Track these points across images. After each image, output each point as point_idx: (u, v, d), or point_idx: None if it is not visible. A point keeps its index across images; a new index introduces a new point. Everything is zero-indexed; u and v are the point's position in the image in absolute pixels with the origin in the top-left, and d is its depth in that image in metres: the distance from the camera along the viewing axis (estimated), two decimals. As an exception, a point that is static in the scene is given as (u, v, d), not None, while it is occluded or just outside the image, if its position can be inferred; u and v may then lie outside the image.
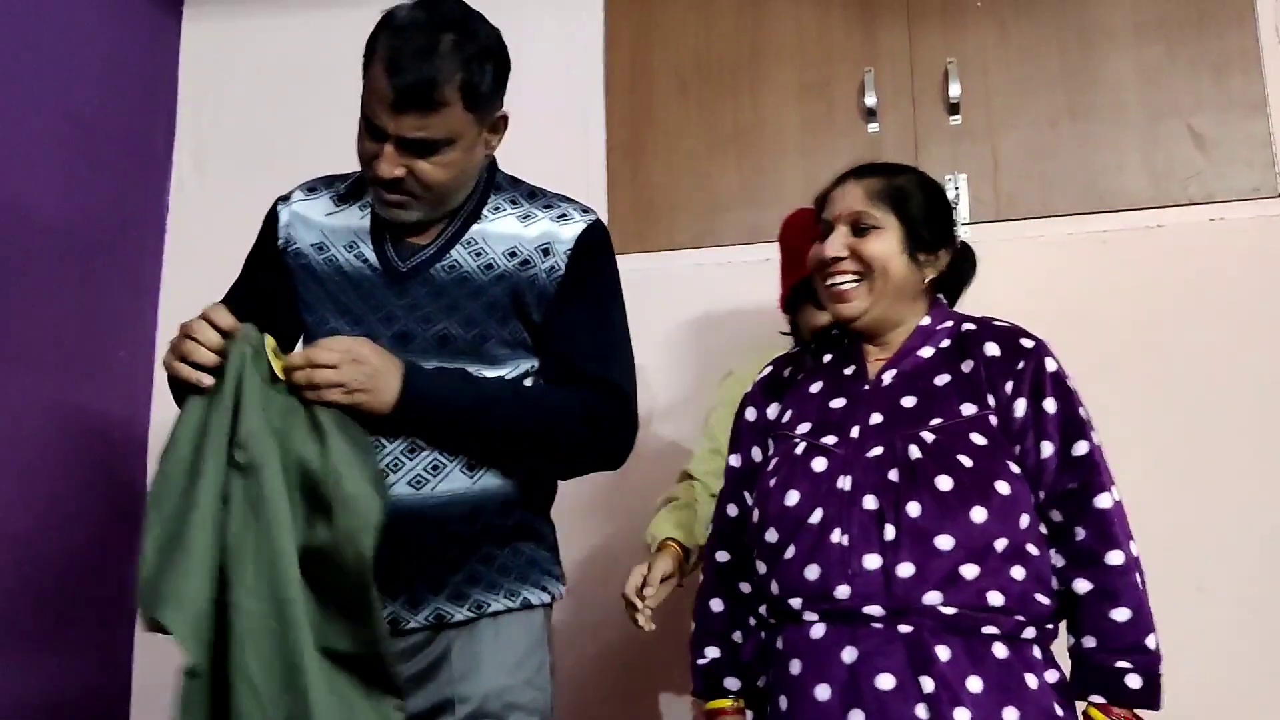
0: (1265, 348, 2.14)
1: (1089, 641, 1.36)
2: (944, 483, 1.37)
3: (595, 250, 1.53)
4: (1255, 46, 2.29)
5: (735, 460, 1.62)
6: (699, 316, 2.38)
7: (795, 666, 1.40)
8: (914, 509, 1.36)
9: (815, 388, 1.56)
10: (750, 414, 1.62)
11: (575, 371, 1.49)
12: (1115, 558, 1.37)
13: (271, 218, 1.60)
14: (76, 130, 2.43)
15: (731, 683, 1.53)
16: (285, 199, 1.60)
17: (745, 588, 1.55)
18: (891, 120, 2.44)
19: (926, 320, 1.53)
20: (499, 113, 1.50)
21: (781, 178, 2.48)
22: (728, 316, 2.36)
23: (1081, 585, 1.37)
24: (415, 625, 1.46)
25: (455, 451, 1.47)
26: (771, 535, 1.46)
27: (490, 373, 1.49)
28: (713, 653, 1.55)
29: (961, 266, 1.60)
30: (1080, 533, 1.39)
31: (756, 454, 1.59)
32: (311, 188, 1.61)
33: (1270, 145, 2.25)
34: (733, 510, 1.59)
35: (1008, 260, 2.29)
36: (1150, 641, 1.35)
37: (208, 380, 1.34)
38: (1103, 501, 1.40)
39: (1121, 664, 1.34)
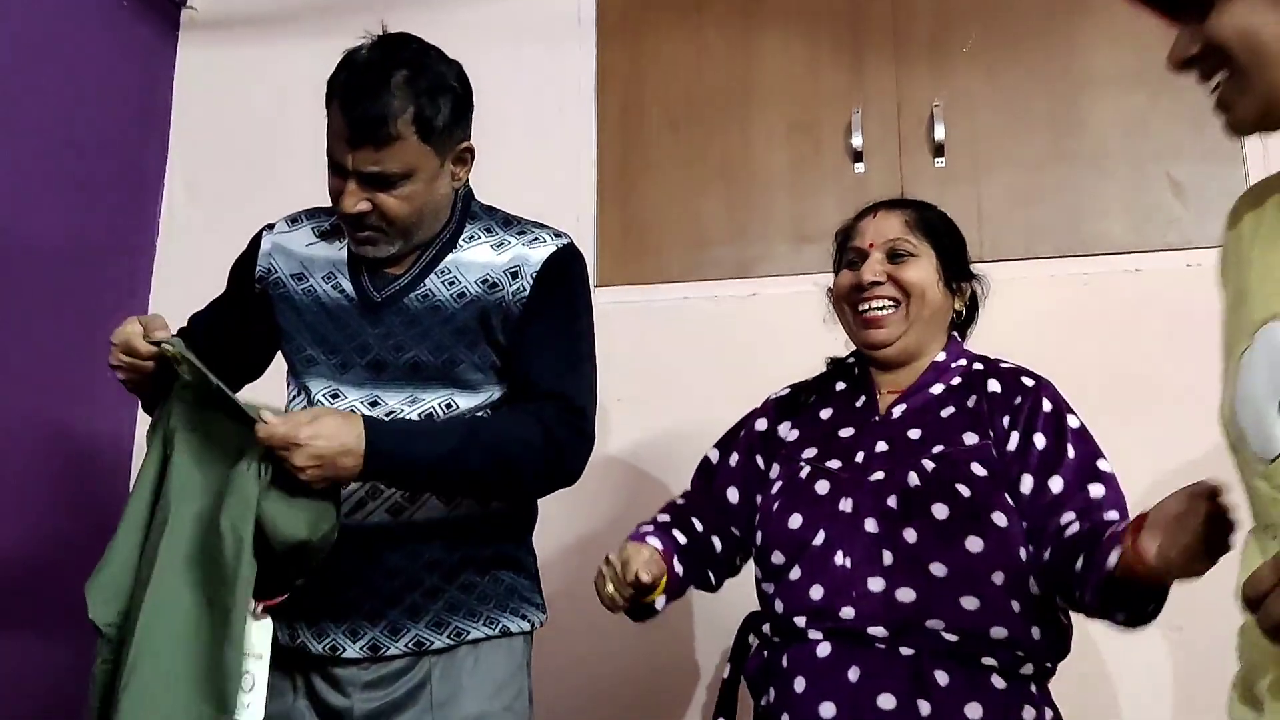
0: (1241, 392, 2.17)
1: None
2: (940, 511, 1.38)
3: (562, 272, 1.54)
4: (1233, 98, 2.34)
5: (722, 457, 1.63)
6: (685, 348, 2.40)
7: (800, 684, 1.40)
8: (910, 535, 1.38)
9: (825, 414, 1.58)
10: (761, 424, 1.64)
11: (531, 387, 1.50)
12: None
13: (254, 244, 1.63)
14: (70, 153, 2.44)
15: (653, 540, 1.48)
16: (269, 228, 1.63)
17: (698, 525, 1.56)
18: (877, 161, 2.47)
19: (942, 356, 1.55)
20: (463, 145, 1.52)
21: (769, 215, 2.51)
22: (714, 349, 2.38)
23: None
24: (395, 652, 1.47)
25: (421, 494, 1.48)
26: (777, 557, 1.47)
27: (465, 400, 1.50)
28: (646, 527, 1.53)
29: (971, 308, 1.65)
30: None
31: (760, 461, 1.59)
32: (294, 219, 1.64)
33: (1247, 194, 2.29)
34: (698, 484, 1.62)
35: (990, 300, 2.31)
36: None
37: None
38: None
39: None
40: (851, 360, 1.64)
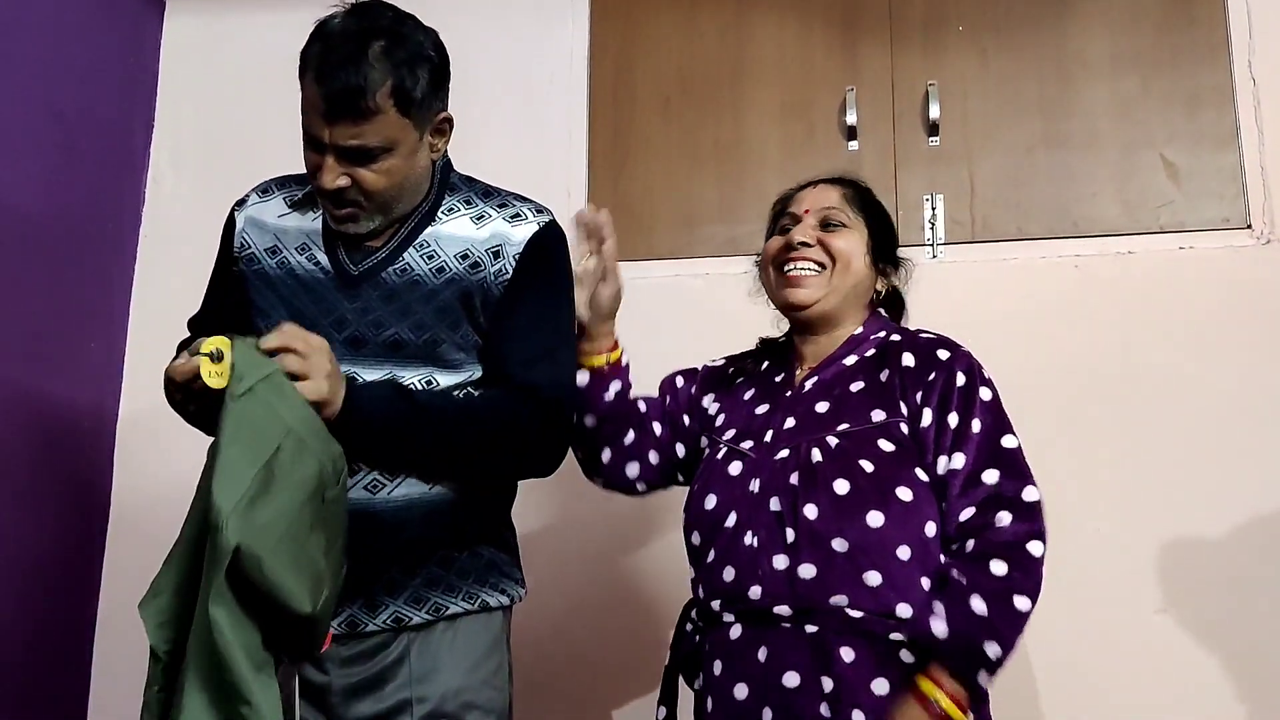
0: (1231, 372, 2.17)
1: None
2: (841, 486, 1.39)
3: (546, 252, 1.52)
4: (1228, 82, 2.33)
5: (658, 395, 1.72)
6: (675, 324, 2.39)
7: (717, 667, 1.43)
8: (811, 511, 1.38)
9: (748, 394, 1.61)
10: (681, 381, 1.72)
11: (504, 377, 1.48)
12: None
13: (229, 226, 1.59)
14: (55, 124, 2.41)
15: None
16: (241, 203, 1.59)
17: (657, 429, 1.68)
18: (871, 140, 2.46)
19: (859, 330, 1.56)
20: (441, 116, 1.48)
21: (761, 193, 2.48)
22: (703, 325, 2.37)
23: (955, 577, 1.35)
24: (374, 628, 1.46)
25: (386, 467, 1.44)
26: (695, 539, 1.50)
27: (446, 378, 1.48)
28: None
29: (898, 298, 1.66)
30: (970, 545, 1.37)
31: (685, 419, 1.67)
32: (265, 189, 1.60)
33: (1240, 178, 2.29)
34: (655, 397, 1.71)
35: (981, 281, 2.31)
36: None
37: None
38: (1002, 520, 1.37)
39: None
40: (783, 339, 1.66)
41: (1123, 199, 2.34)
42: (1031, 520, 1.37)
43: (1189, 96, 2.36)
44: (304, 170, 1.53)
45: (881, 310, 1.62)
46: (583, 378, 1.61)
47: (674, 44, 2.61)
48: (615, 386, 1.64)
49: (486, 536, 1.55)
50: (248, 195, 1.60)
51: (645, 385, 1.79)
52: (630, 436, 1.66)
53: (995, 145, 2.41)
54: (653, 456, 1.67)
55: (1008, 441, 1.42)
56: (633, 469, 1.67)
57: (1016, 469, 1.40)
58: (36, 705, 2.33)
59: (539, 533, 2.28)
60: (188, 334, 1.61)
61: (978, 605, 1.32)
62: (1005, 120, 2.42)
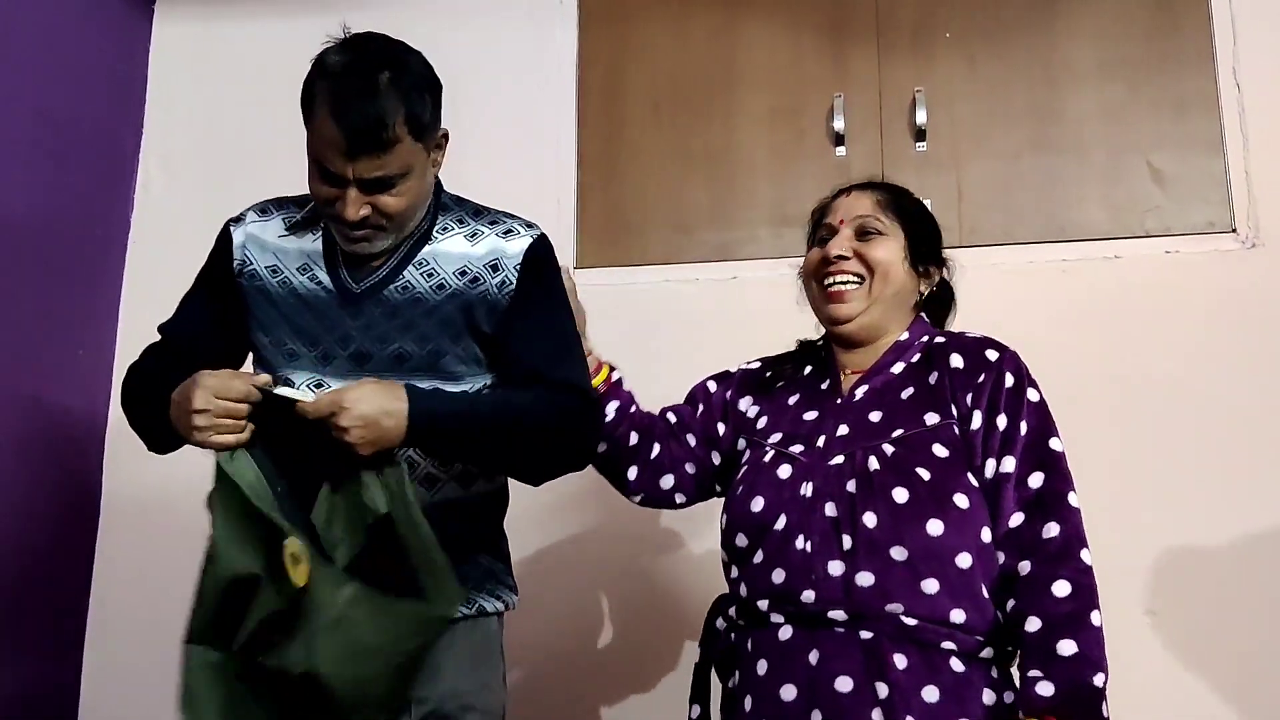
0: (1217, 375, 2.19)
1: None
2: (900, 495, 1.38)
3: (542, 263, 1.55)
4: (1213, 88, 2.35)
5: (688, 404, 1.70)
6: (666, 330, 2.40)
7: (762, 667, 1.42)
8: (870, 520, 1.38)
9: (792, 399, 1.59)
10: (714, 386, 1.69)
11: (540, 376, 1.50)
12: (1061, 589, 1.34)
13: (224, 239, 1.59)
14: (45, 127, 2.41)
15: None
16: (238, 220, 1.60)
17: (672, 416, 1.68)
18: (859, 146, 2.47)
19: (905, 336, 1.56)
20: (440, 132, 1.52)
21: (750, 199, 2.51)
22: (694, 330, 2.38)
23: (1031, 624, 1.34)
24: None
25: (448, 461, 1.49)
26: (741, 540, 1.48)
27: (451, 389, 1.51)
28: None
29: (946, 294, 1.65)
30: (1025, 567, 1.37)
31: (720, 427, 1.65)
32: (264, 209, 1.61)
33: (1226, 183, 2.31)
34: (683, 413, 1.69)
35: (969, 285, 2.30)
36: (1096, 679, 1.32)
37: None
38: (1050, 531, 1.37)
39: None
40: (820, 343, 1.65)
41: (1109, 204, 2.35)
42: (1077, 526, 1.38)
43: (1175, 103, 2.38)
44: (298, 191, 1.54)
45: (923, 314, 1.61)
46: None
47: (663, 50, 2.62)
48: (613, 406, 1.65)
49: (484, 544, 1.58)
50: (245, 213, 1.61)
51: (636, 389, 1.80)
52: (656, 449, 1.66)
53: (982, 151, 2.43)
54: (689, 468, 1.66)
55: (1054, 444, 1.43)
56: (667, 481, 1.66)
57: (1060, 473, 1.41)
58: (30, 706, 2.32)
59: (530, 541, 2.28)
60: (158, 338, 1.61)
61: (1065, 648, 1.31)
62: (993, 126, 2.44)
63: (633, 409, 1.68)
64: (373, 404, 1.34)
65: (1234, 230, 2.28)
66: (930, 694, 1.33)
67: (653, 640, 2.28)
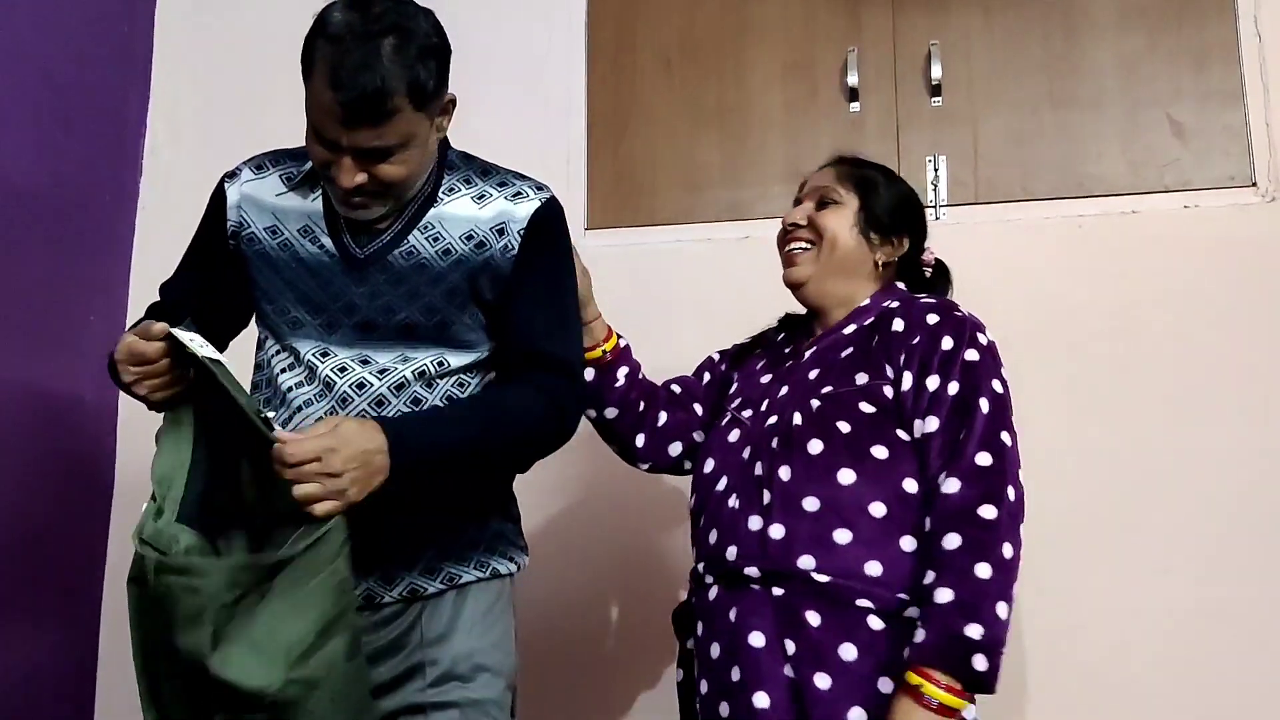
0: (1236, 332, 2.17)
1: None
2: (815, 446, 1.41)
3: (549, 228, 1.52)
4: (1234, 38, 2.31)
5: (697, 375, 1.76)
6: (678, 291, 2.39)
7: (700, 629, 1.48)
8: (785, 472, 1.41)
9: (759, 365, 1.65)
10: (718, 357, 1.77)
11: (526, 349, 1.49)
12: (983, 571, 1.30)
13: (219, 197, 1.56)
14: (51, 92, 2.39)
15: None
16: (232, 176, 1.56)
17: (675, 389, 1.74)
18: (873, 101, 2.44)
19: (866, 302, 1.57)
20: (446, 98, 1.45)
21: (764, 156, 2.48)
22: (707, 291, 2.37)
23: (927, 578, 1.32)
24: (390, 600, 1.48)
25: (444, 482, 1.46)
26: (694, 503, 1.56)
27: (456, 358, 1.49)
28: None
29: (924, 272, 1.66)
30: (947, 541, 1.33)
31: (706, 376, 1.74)
32: (259, 165, 1.56)
33: (1246, 135, 2.27)
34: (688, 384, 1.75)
35: (985, 241, 2.30)
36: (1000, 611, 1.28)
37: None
38: (950, 488, 1.35)
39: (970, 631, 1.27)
40: (804, 315, 1.68)
41: (1128, 158, 2.32)
42: (981, 484, 1.34)
43: (1195, 54, 2.33)
44: (297, 145, 1.50)
45: (899, 283, 1.62)
46: (588, 374, 1.63)
47: (675, 5, 2.58)
48: (623, 371, 1.68)
49: (495, 507, 1.58)
50: (239, 169, 1.56)
51: (648, 351, 1.79)
52: (664, 417, 1.70)
53: (999, 105, 2.39)
54: (697, 436, 1.70)
55: (983, 404, 1.39)
56: (675, 448, 1.70)
57: (975, 434, 1.37)
58: (44, 689, 2.34)
59: (537, 504, 2.28)
60: (158, 298, 1.59)
61: (942, 595, 1.29)
62: (1009, 80, 2.40)
63: (640, 376, 1.71)
64: (360, 439, 1.26)
65: (1254, 184, 2.25)
66: (847, 651, 1.34)
67: (666, 601, 2.29)
